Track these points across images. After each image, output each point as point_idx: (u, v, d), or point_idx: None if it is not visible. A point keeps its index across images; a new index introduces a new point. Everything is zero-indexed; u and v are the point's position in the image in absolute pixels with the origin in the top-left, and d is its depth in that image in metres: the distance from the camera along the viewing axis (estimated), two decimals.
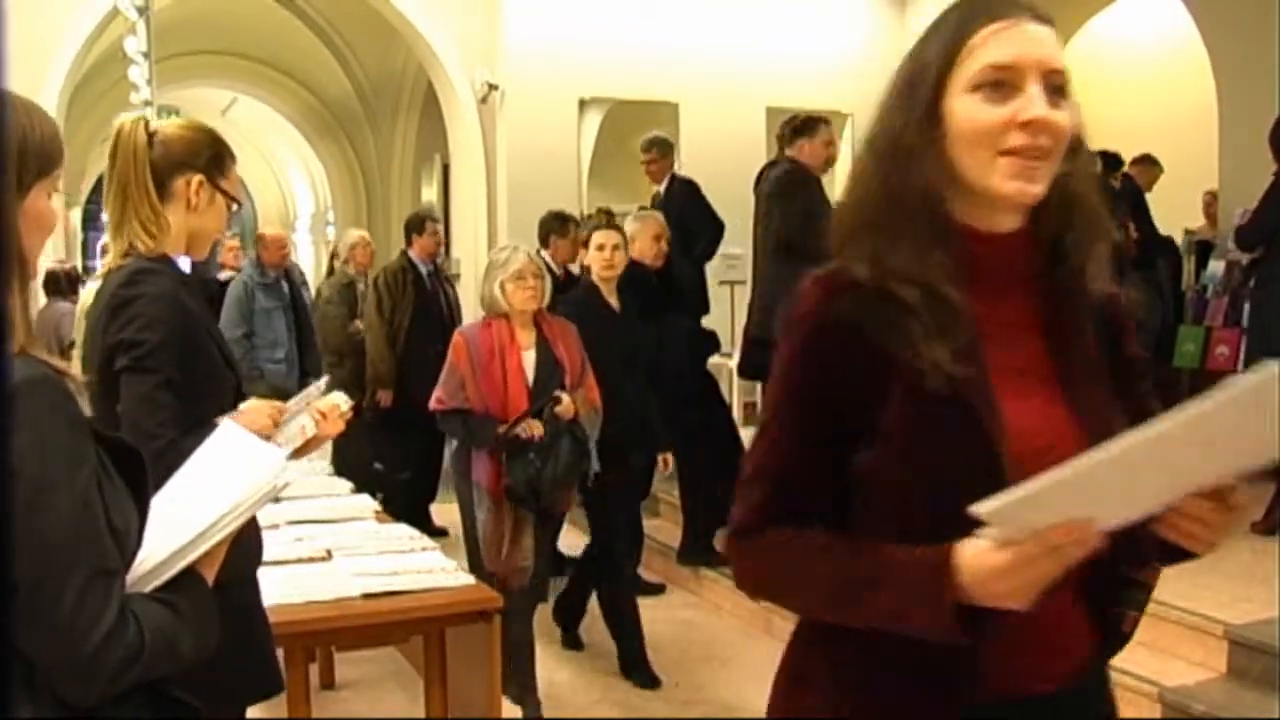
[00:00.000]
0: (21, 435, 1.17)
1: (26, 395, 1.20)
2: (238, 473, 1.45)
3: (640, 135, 6.38)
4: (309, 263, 15.50)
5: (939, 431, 1.20)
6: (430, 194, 12.61)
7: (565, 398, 3.85)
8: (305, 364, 6.85)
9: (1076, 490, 1.04)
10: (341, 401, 2.29)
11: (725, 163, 7.79)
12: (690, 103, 8.53)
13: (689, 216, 5.37)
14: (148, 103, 8.39)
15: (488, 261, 4.08)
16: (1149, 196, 7.13)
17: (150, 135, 2.14)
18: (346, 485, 4.27)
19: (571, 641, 4.75)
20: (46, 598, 1.18)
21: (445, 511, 6.05)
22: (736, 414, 6.52)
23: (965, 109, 1.22)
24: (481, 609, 3.04)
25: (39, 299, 7.01)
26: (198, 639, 1.35)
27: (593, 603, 4.70)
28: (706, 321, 5.68)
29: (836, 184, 8.41)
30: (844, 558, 1.22)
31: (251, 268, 6.88)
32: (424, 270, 6.45)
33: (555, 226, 5.85)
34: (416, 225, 6.49)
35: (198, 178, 2.17)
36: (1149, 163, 7.30)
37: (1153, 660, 3.62)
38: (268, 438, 2.09)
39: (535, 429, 3.78)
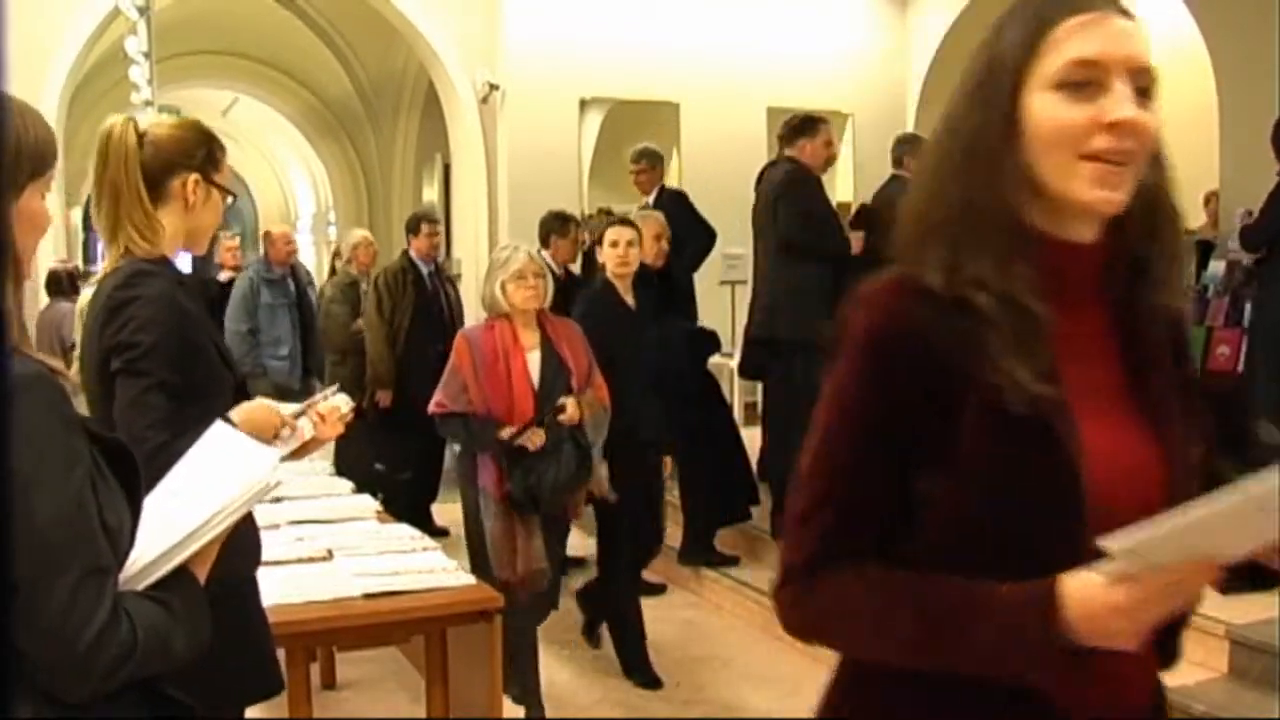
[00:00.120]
0: (15, 433, 1.17)
1: (20, 393, 1.20)
2: (230, 472, 1.46)
3: (641, 135, 6.39)
4: (310, 263, 15.49)
5: (1017, 455, 1.10)
6: (431, 194, 12.62)
7: (570, 404, 3.80)
8: (308, 362, 6.89)
9: (1203, 529, 0.99)
10: (343, 404, 2.28)
11: (725, 163, 7.81)
12: (691, 103, 8.54)
13: (678, 225, 5.39)
14: (148, 103, 8.40)
15: (489, 261, 4.05)
16: None
17: (140, 137, 2.11)
18: (347, 485, 4.27)
19: (590, 632, 4.66)
20: (39, 595, 1.18)
21: (446, 511, 6.06)
22: (737, 414, 6.51)
23: (1045, 107, 1.13)
24: (482, 609, 3.04)
25: (40, 299, 7.01)
26: (190, 637, 1.35)
27: None
28: (706, 321, 5.68)
29: (838, 184, 8.46)
30: (929, 596, 1.12)
31: (258, 264, 6.93)
32: (424, 270, 6.45)
33: (555, 226, 5.85)
34: (413, 226, 6.51)
35: (193, 176, 2.15)
36: None
37: None
38: (271, 440, 2.09)
39: (538, 439, 3.73)
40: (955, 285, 1.13)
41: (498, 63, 8.24)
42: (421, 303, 6.33)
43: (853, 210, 5.98)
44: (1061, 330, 1.13)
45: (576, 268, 6.16)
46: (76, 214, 14.19)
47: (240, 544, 2.09)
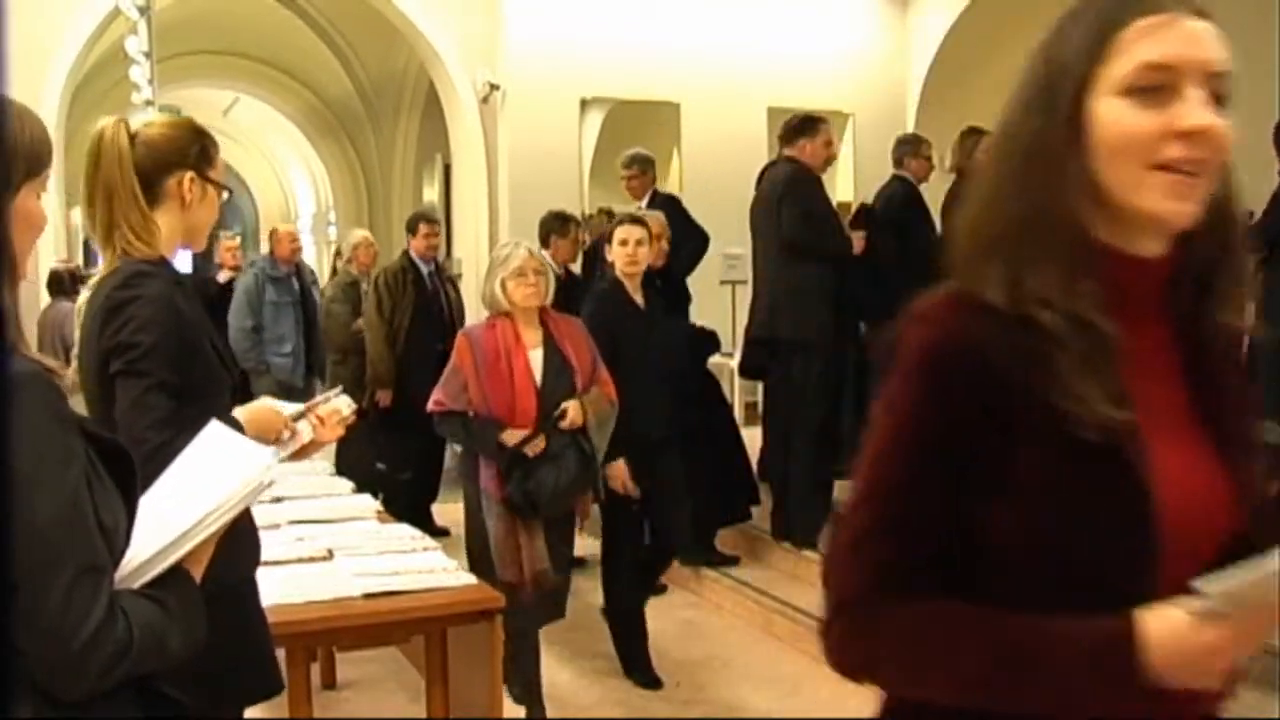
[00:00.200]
0: (11, 432, 1.17)
1: (16, 392, 1.20)
2: (225, 470, 1.46)
3: (641, 135, 6.39)
4: (311, 262, 15.49)
5: (1087, 481, 1.05)
6: (432, 194, 12.62)
7: (572, 408, 3.75)
8: (310, 360, 6.92)
9: None
10: (344, 406, 2.27)
11: (725, 163, 7.81)
12: (691, 103, 8.55)
13: (672, 229, 5.39)
14: (149, 102, 8.41)
15: (489, 259, 4.02)
16: None
17: (132, 138, 2.10)
18: (347, 485, 4.27)
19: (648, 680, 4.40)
20: (35, 594, 1.18)
21: (447, 511, 6.06)
22: (737, 414, 6.51)
23: (1112, 114, 1.07)
24: (483, 609, 3.03)
25: (40, 299, 7.02)
26: (186, 635, 1.35)
27: (595, 600, 4.70)
28: (706, 321, 5.68)
29: (838, 184, 8.46)
30: (999, 632, 1.05)
31: (264, 261, 6.98)
32: (424, 270, 6.46)
33: (556, 226, 5.85)
34: (413, 225, 6.53)
35: (188, 175, 2.15)
36: None
37: None
38: (273, 442, 2.09)
39: (539, 445, 3.69)
40: (1018, 302, 1.07)
41: (498, 63, 8.25)
42: (421, 302, 6.34)
43: (853, 210, 5.98)
44: (1126, 348, 1.08)
45: (577, 267, 6.16)
46: (77, 214, 14.19)
47: (240, 544, 2.10)
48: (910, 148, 6.03)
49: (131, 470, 1.36)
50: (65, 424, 1.26)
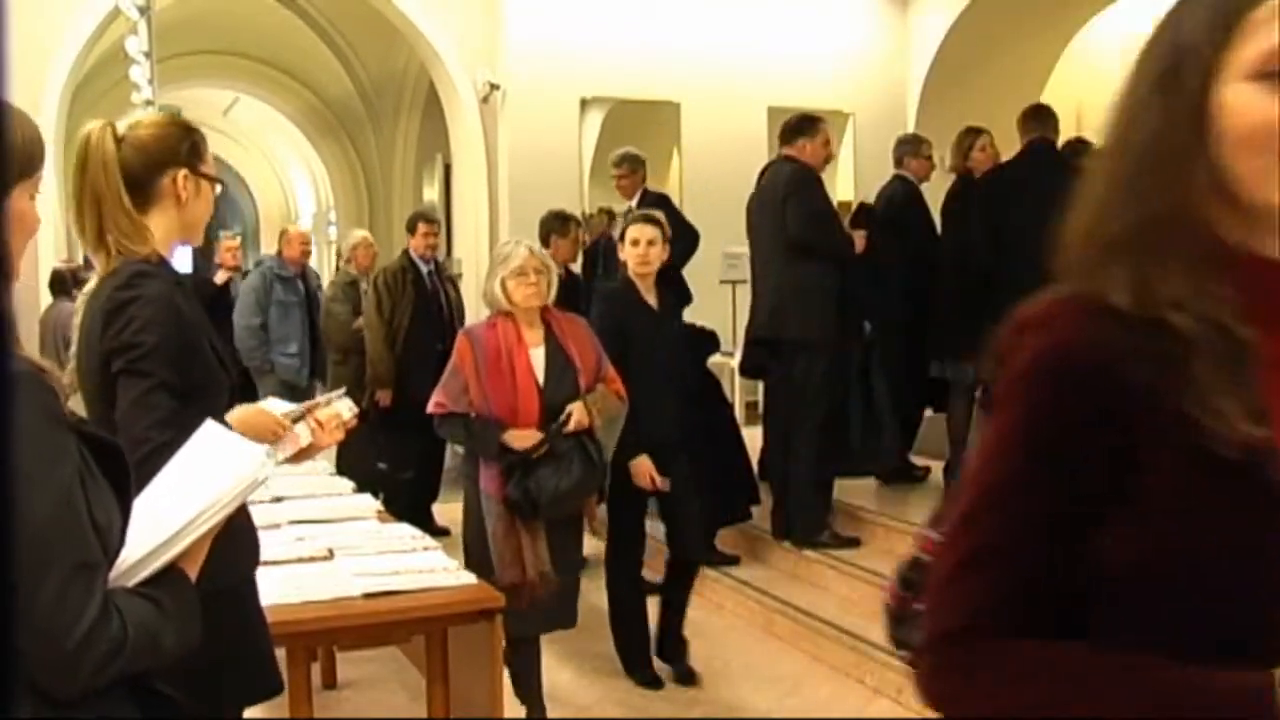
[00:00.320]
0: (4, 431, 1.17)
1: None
2: (218, 468, 1.47)
3: (641, 135, 6.39)
4: (311, 262, 15.52)
5: (1227, 499, 0.95)
6: (432, 193, 12.62)
7: (577, 410, 3.69)
8: (314, 362, 6.94)
9: None
10: (344, 410, 2.27)
11: (725, 163, 7.81)
12: (691, 103, 8.55)
13: None
14: (149, 102, 8.40)
15: (491, 257, 3.96)
16: None
17: (119, 141, 2.09)
18: (348, 485, 4.28)
19: (682, 676, 4.41)
20: (27, 592, 1.18)
21: (447, 511, 6.06)
22: (738, 413, 6.51)
23: (1241, 101, 0.97)
24: (483, 608, 3.04)
25: (41, 300, 7.02)
26: (181, 633, 1.36)
27: (595, 600, 4.69)
28: (706, 321, 5.68)
29: (838, 184, 8.46)
30: (1122, 678, 0.95)
31: (273, 260, 7.00)
32: (424, 269, 6.46)
33: (556, 226, 5.85)
34: (411, 225, 6.55)
35: (182, 172, 2.14)
36: None
37: None
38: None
39: (543, 448, 3.65)
40: (1146, 304, 0.98)
41: (498, 62, 8.25)
42: (421, 302, 6.34)
43: (852, 210, 5.99)
44: (1261, 358, 0.98)
45: (577, 267, 6.16)
46: None
47: (239, 545, 2.10)
48: (910, 148, 6.03)
49: (125, 468, 1.36)
50: (57, 422, 1.26)
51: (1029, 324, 1.02)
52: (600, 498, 4.03)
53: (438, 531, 5.77)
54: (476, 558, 3.70)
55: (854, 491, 5.69)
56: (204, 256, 8.53)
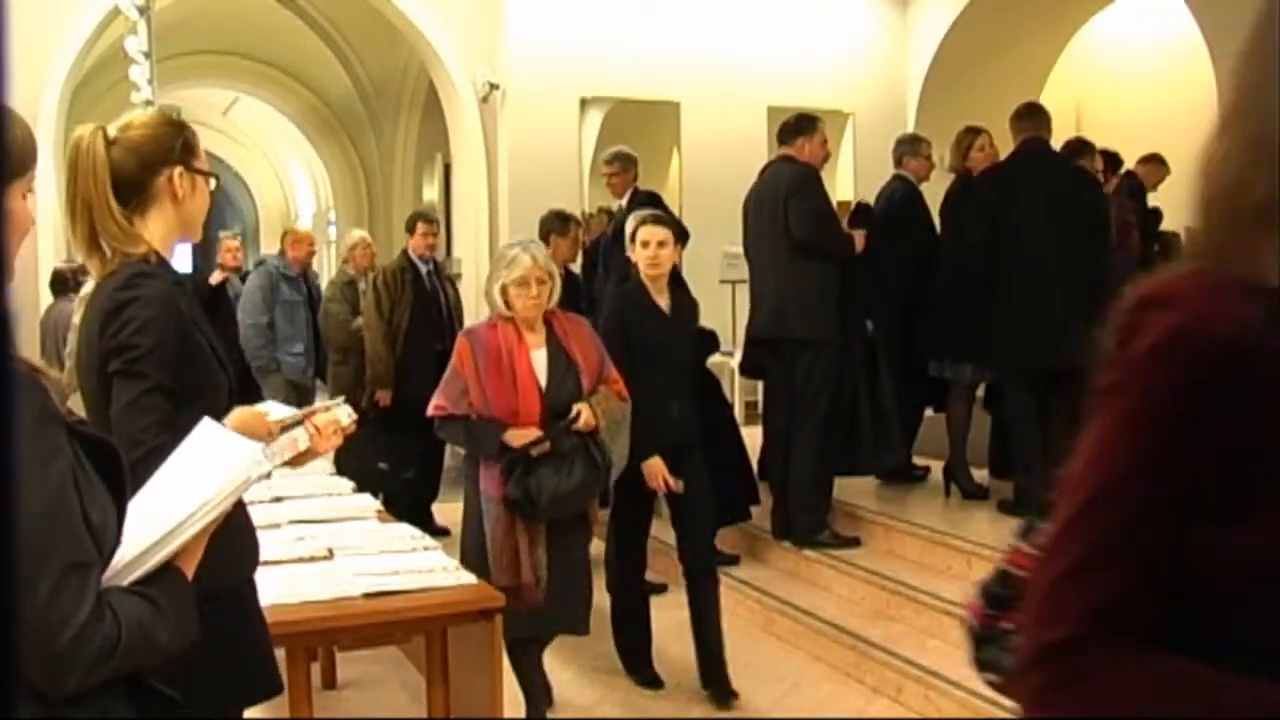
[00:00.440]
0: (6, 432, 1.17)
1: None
2: (213, 466, 1.47)
3: (641, 135, 6.40)
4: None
5: None
6: (432, 193, 12.63)
7: (584, 411, 3.65)
8: (318, 361, 6.97)
9: None
10: (343, 416, 2.26)
11: (725, 163, 7.81)
12: (691, 102, 8.55)
13: None
14: (149, 102, 8.40)
15: (495, 257, 3.89)
16: (1150, 195, 7.13)
17: (110, 144, 2.09)
18: (348, 485, 4.28)
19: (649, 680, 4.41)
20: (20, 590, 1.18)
21: (447, 511, 6.05)
22: (737, 413, 6.52)
23: None
24: (483, 608, 3.04)
25: (41, 300, 7.02)
26: (176, 631, 1.36)
27: (596, 600, 4.68)
28: (706, 321, 5.69)
29: (838, 183, 8.46)
30: (1253, 702, 0.87)
31: (278, 260, 7.02)
32: (423, 269, 6.46)
33: (556, 226, 5.84)
34: (410, 225, 6.55)
35: (176, 170, 2.14)
36: (1157, 162, 7.28)
37: None
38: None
39: (545, 448, 3.60)
40: None
41: (498, 62, 8.25)
42: (420, 302, 6.34)
43: (850, 209, 5.98)
44: None
45: (577, 267, 6.15)
46: None
47: (239, 546, 2.10)
48: (910, 147, 6.03)
49: (120, 468, 1.36)
50: (50, 422, 1.27)
51: (1152, 301, 0.93)
52: (603, 502, 4.00)
53: (438, 531, 5.77)
54: (475, 559, 3.65)
55: (854, 491, 5.69)
56: (205, 257, 8.52)
